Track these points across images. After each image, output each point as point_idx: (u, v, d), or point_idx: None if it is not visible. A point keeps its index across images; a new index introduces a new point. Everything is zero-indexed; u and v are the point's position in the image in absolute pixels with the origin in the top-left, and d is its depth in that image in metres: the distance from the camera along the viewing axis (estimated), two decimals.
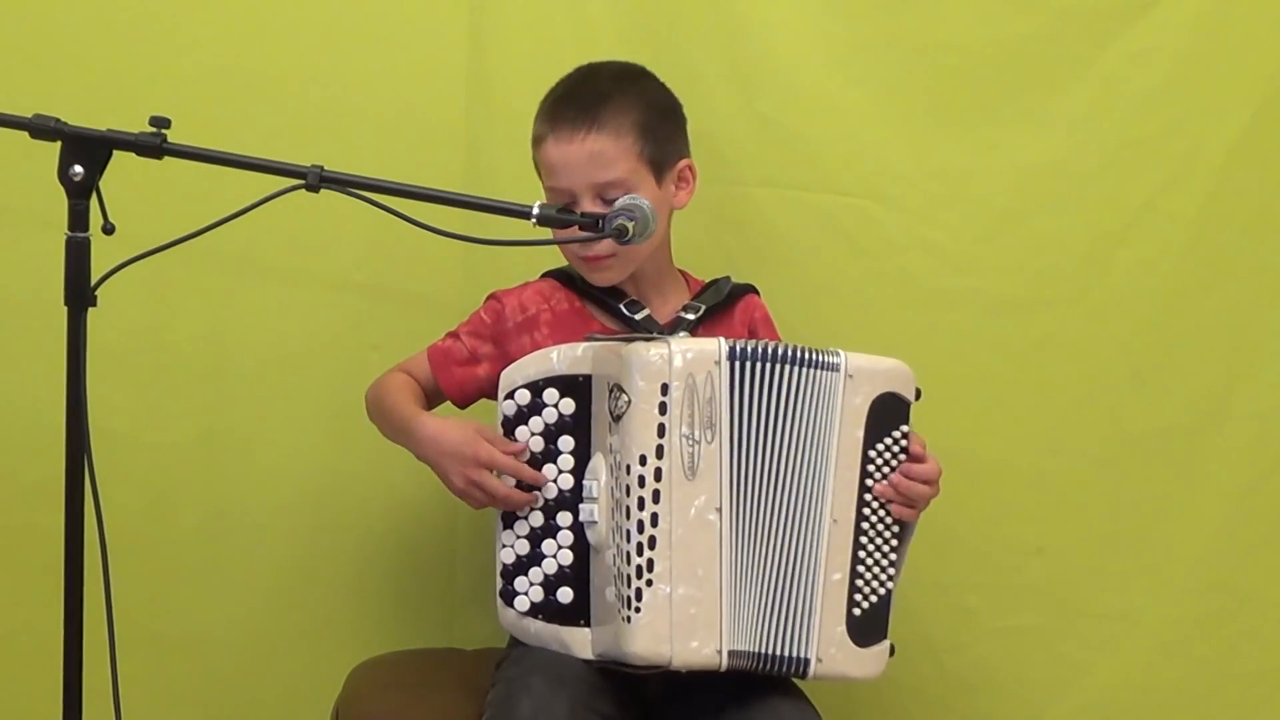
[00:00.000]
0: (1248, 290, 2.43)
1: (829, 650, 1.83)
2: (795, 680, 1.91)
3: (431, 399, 2.07)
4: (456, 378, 2.07)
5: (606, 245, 1.96)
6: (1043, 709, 2.45)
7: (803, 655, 1.83)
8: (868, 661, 1.86)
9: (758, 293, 2.18)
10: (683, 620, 1.77)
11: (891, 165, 2.38)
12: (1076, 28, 2.38)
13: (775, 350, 1.84)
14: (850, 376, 1.85)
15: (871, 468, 1.88)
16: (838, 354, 1.86)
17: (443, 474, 1.92)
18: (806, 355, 1.85)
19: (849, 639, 1.84)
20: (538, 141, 2.02)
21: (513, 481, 1.88)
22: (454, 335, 2.10)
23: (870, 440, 1.87)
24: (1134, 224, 2.41)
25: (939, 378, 2.34)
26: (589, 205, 1.96)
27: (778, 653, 1.82)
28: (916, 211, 2.39)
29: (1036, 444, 2.42)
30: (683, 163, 2.06)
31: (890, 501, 1.89)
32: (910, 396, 1.90)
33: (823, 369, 1.85)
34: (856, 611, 1.86)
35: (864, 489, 1.87)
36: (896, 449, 1.89)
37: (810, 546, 1.84)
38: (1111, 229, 2.41)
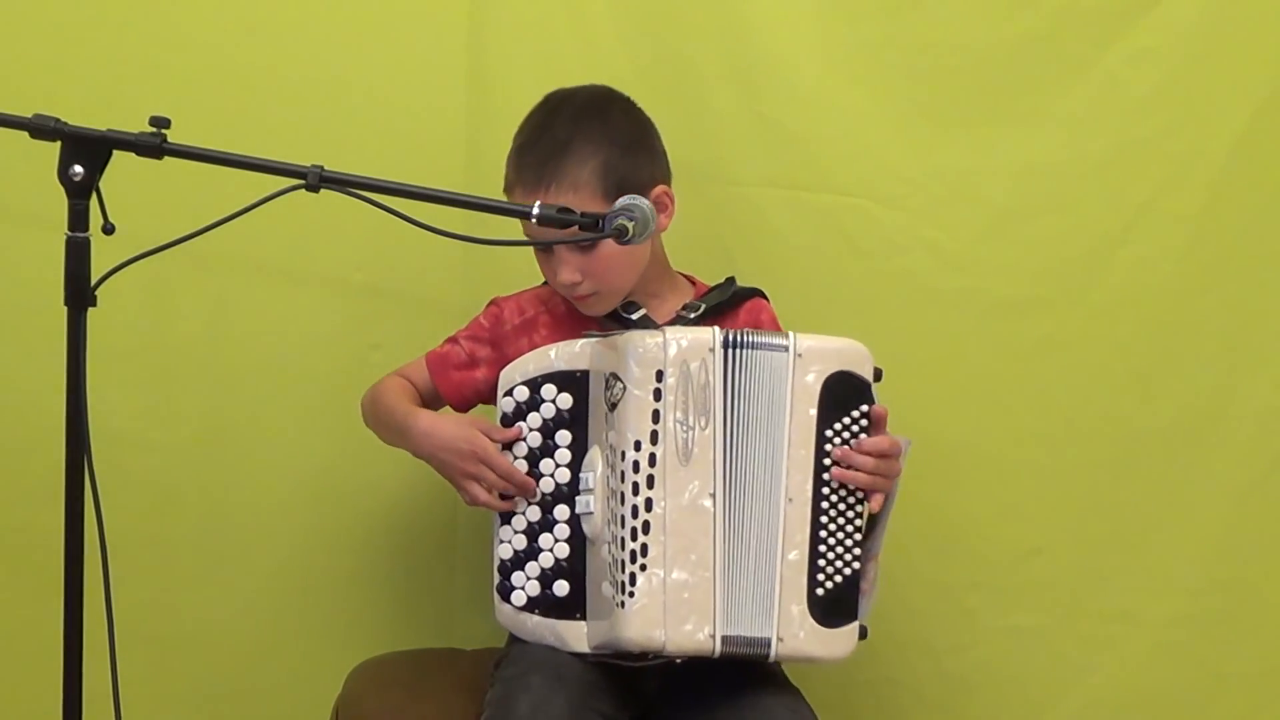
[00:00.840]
0: (1248, 290, 2.42)
1: (790, 629, 1.82)
2: (774, 665, 1.90)
3: (429, 404, 2.07)
4: (454, 381, 2.07)
5: (589, 284, 1.98)
6: (1043, 709, 2.45)
7: (764, 635, 1.82)
8: (833, 642, 1.84)
9: (765, 296, 2.17)
10: (676, 604, 1.78)
11: (891, 165, 2.38)
12: (1076, 28, 2.38)
13: (759, 339, 1.85)
14: (799, 355, 1.85)
15: (829, 447, 1.86)
16: (787, 335, 1.87)
17: (439, 467, 1.93)
18: (758, 339, 1.86)
19: (810, 618, 1.83)
20: (508, 189, 2.02)
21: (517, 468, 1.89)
22: (452, 340, 2.10)
23: (827, 419, 1.86)
24: (1134, 224, 2.41)
25: (939, 378, 2.35)
26: (563, 252, 1.97)
27: (749, 634, 1.82)
28: (916, 211, 2.39)
29: (1037, 444, 2.41)
30: (658, 189, 2.03)
31: (849, 469, 1.86)
32: (868, 376, 1.88)
33: (773, 350, 1.85)
34: (819, 591, 1.84)
35: (822, 468, 1.86)
36: (856, 428, 1.87)
37: (768, 526, 1.84)
38: (1111, 229, 2.41)
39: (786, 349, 1.86)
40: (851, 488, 1.86)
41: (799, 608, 1.82)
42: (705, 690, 1.88)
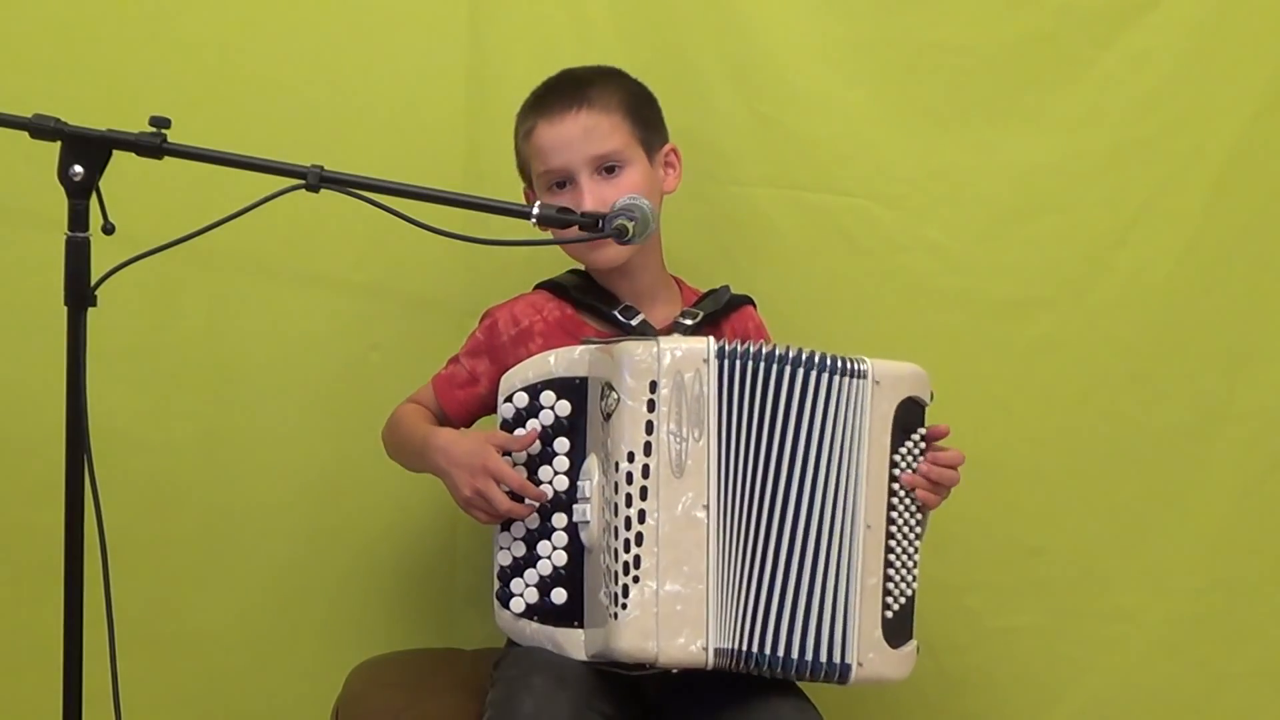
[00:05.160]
0: (1248, 290, 2.43)
1: (868, 655, 1.84)
2: (814, 684, 1.91)
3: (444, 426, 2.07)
4: (458, 399, 2.07)
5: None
6: (1043, 709, 2.45)
7: (843, 661, 1.83)
8: (900, 662, 1.87)
9: (754, 304, 2.18)
10: (669, 616, 1.77)
11: (891, 165, 2.38)
12: (1076, 28, 2.38)
13: (767, 351, 1.83)
14: (877, 383, 1.86)
15: (896, 471, 1.88)
16: (863, 360, 1.86)
17: (451, 484, 1.91)
18: (826, 360, 1.84)
19: (884, 642, 1.85)
20: (529, 133, 2.04)
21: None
22: (454, 361, 2.10)
23: (895, 445, 1.88)
24: (1134, 224, 2.41)
25: (939, 378, 2.33)
26: (587, 181, 1.98)
27: (811, 659, 1.82)
28: (916, 211, 2.39)
29: (1036, 444, 2.42)
30: (668, 146, 2.10)
31: (915, 490, 1.88)
32: (927, 399, 1.90)
33: (851, 375, 1.85)
34: (889, 614, 1.86)
35: (890, 493, 1.88)
36: (917, 451, 1.90)
37: (844, 553, 1.84)
38: (1111, 229, 2.41)
39: (866, 375, 1.85)
40: (913, 509, 1.89)
41: (877, 633, 1.85)
42: (710, 691, 1.87)
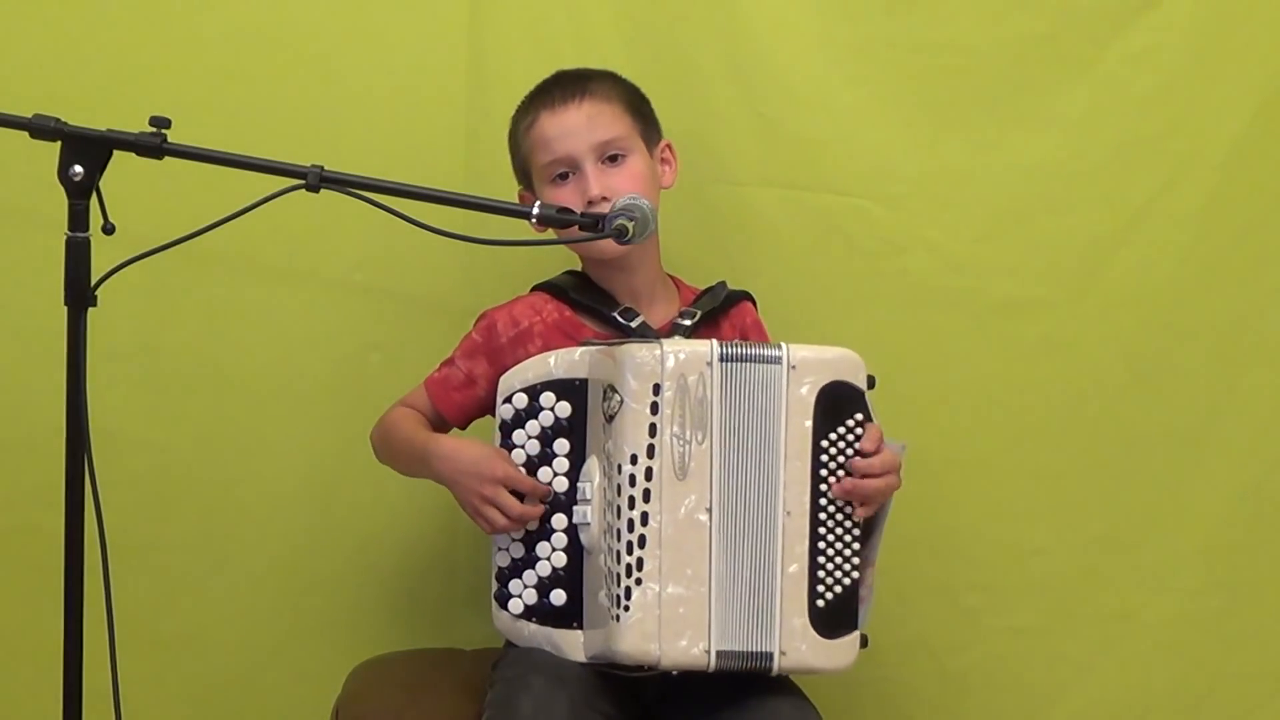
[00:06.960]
0: (1248, 290, 2.43)
1: (792, 643, 1.82)
2: (778, 675, 1.90)
3: (437, 430, 2.06)
4: (455, 401, 2.06)
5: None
6: (1043, 709, 2.45)
7: (766, 649, 1.82)
8: (835, 653, 1.84)
9: (752, 299, 2.17)
10: (671, 619, 1.77)
11: (891, 165, 2.38)
12: (1076, 28, 2.38)
13: (753, 351, 1.84)
14: (793, 368, 1.84)
15: (825, 458, 1.85)
16: (780, 346, 1.85)
17: (459, 492, 1.91)
18: (745, 350, 1.85)
19: (812, 631, 1.82)
20: (530, 125, 2.05)
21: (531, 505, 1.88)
22: (449, 363, 2.09)
23: (822, 430, 1.85)
24: (1134, 224, 2.41)
25: (939, 378, 2.36)
26: (592, 169, 1.99)
27: (747, 648, 1.82)
28: (916, 211, 2.39)
29: (1037, 444, 2.41)
30: (664, 142, 2.12)
31: (855, 482, 1.86)
32: (862, 384, 1.87)
33: (766, 363, 1.84)
34: (820, 603, 1.83)
35: (819, 479, 1.85)
36: (851, 438, 1.86)
37: (767, 540, 1.83)
38: (1111, 229, 2.41)
39: (780, 360, 1.84)
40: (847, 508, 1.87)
41: (800, 621, 1.82)
42: (708, 692, 1.87)
